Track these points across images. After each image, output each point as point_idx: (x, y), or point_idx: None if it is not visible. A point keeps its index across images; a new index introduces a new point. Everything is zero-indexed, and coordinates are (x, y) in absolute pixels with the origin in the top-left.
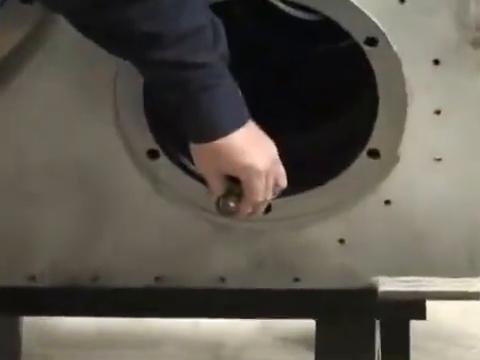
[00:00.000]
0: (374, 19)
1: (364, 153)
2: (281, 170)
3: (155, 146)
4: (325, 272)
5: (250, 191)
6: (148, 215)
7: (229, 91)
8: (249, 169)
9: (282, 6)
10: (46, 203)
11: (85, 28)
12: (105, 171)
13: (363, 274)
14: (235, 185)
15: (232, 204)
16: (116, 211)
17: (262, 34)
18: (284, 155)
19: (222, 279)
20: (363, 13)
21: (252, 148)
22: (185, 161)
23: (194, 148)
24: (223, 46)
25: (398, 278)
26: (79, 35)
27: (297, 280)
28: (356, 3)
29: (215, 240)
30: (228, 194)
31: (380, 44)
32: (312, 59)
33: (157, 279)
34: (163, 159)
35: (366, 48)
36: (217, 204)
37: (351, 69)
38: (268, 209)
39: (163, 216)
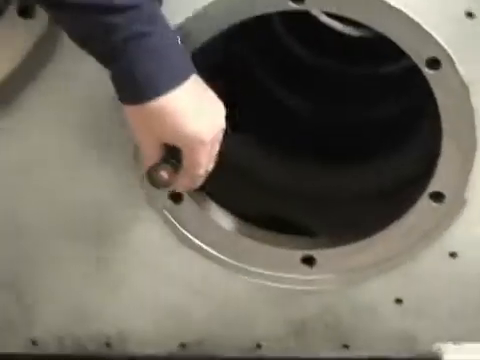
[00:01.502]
0: (436, 36)
1: (426, 196)
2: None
3: None
4: (379, 337)
5: (191, 163)
6: (170, 269)
7: (164, 40)
8: (192, 139)
9: (328, 21)
10: (50, 256)
11: None
12: (119, 218)
13: (423, 340)
14: (171, 151)
15: (165, 175)
16: (132, 265)
17: (307, 54)
18: (330, 197)
19: (258, 346)
20: (423, 29)
21: (195, 112)
22: (212, 206)
23: (126, 110)
24: None
25: (465, 345)
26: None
27: (346, 347)
28: (415, 17)
29: (251, 299)
30: (162, 162)
31: (443, 67)
32: (362, 82)
33: (181, 346)
34: (187, 203)
35: (427, 71)
36: (148, 173)
37: (410, 96)
38: (311, 262)
39: (188, 270)
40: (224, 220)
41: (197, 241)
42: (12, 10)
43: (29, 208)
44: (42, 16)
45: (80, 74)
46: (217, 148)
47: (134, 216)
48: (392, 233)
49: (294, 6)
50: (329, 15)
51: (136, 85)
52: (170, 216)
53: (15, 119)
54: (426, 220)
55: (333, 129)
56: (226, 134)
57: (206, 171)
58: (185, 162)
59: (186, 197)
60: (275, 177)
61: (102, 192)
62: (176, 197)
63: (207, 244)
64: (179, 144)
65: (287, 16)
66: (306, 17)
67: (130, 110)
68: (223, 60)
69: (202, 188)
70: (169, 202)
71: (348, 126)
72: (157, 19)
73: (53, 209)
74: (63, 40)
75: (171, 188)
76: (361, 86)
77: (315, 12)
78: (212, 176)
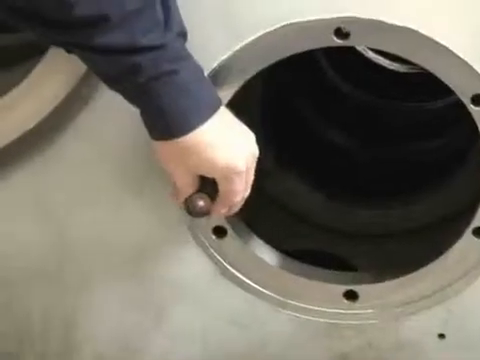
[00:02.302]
0: None
1: (469, 231)
2: (256, 150)
3: (222, 222)
4: None
5: (227, 193)
6: (213, 303)
7: (191, 76)
8: (226, 170)
9: (373, 56)
10: (93, 289)
11: (21, 19)
12: (161, 252)
13: None
14: (206, 181)
15: (202, 204)
16: (174, 298)
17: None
18: (373, 232)
19: None
20: (469, 66)
21: (227, 143)
22: (255, 240)
23: (155, 145)
24: (177, 23)
25: None
26: None
27: None
28: (460, 54)
29: (294, 333)
30: (198, 192)
31: None
32: (407, 118)
33: None
34: (231, 238)
35: (472, 108)
36: (186, 204)
37: (452, 131)
38: (353, 297)
39: (231, 305)
40: (267, 255)
41: (240, 276)
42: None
43: (75, 241)
44: None
45: (118, 115)
46: (252, 175)
47: (178, 251)
48: (435, 269)
49: (339, 42)
50: (374, 51)
51: (167, 122)
52: (213, 251)
53: (55, 157)
54: (469, 256)
55: (377, 165)
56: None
57: (243, 198)
58: (221, 191)
59: (230, 232)
60: (318, 212)
61: (145, 228)
62: (220, 232)
63: (250, 279)
64: (214, 175)
65: (332, 52)
66: (351, 52)
67: (161, 146)
68: (268, 95)
69: (242, 217)
70: (213, 237)
71: (392, 162)
72: (183, 56)
73: (97, 246)
74: None
75: (209, 216)
76: (406, 121)
77: (360, 48)
78: (251, 206)
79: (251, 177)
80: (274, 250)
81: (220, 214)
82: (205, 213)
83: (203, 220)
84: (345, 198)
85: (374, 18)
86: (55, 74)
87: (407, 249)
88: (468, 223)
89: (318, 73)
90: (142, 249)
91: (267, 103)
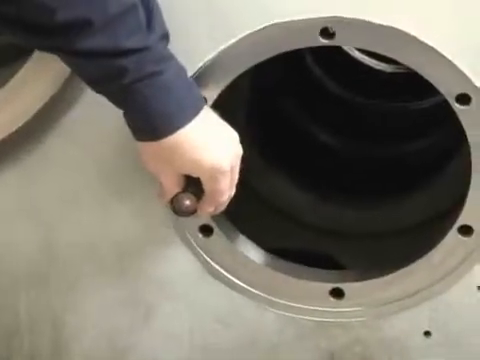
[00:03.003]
0: (467, 72)
1: (454, 230)
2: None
3: (209, 221)
4: None
5: (213, 192)
6: (200, 302)
7: (175, 76)
8: (212, 170)
9: (359, 56)
10: (81, 290)
11: (3, 25)
12: (147, 251)
13: None
14: (191, 180)
15: (189, 203)
16: (161, 297)
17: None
18: (359, 231)
19: None
20: (453, 65)
21: (212, 143)
22: (241, 239)
23: (139, 146)
24: (160, 25)
25: None
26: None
27: None
28: (445, 53)
29: (280, 331)
30: (184, 191)
31: (473, 102)
32: (393, 118)
33: None
34: (217, 236)
35: (457, 107)
36: (172, 203)
37: (438, 131)
38: (339, 294)
39: (217, 303)
40: (253, 253)
41: (227, 274)
42: None
43: (61, 242)
44: None
45: (104, 117)
46: (237, 174)
47: (165, 250)
48: (421, 267)
49: (325, 42)
50: (361, 51)
51: (150, 123)
52: (200, 249)
53: (42, 159)
54: (455, 254)
55: (363, 165)
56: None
57: (229, 197)
58: (207, 191)
59: (216, 230)
60: (305, 211)
61: (131, 228)
62: (206, 230)
63: (237, 277)
64: (199, 175)
65: (318, 51)
66: (337, 52)
67: (146, 147)
68: (254, 95)
69: (228, 215)
70: (199, 235)
71: (379, 161)
72: (166, 57)
73: (84, 247)
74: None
75: (195, 215)
76: (393, 121)
77: (346, 47)
78: (238, 204)
79: (236, 176)
80: (260, 249)
81: (206, 213)
82: (191, 212)
83: (189, 219)
84: (332, 197)
85: (360, 18)
86: (41, 76)
87: (393, 247)
88: (453, 221)
89: (305, 73)
90: (129, 249)
91: (253, 102)
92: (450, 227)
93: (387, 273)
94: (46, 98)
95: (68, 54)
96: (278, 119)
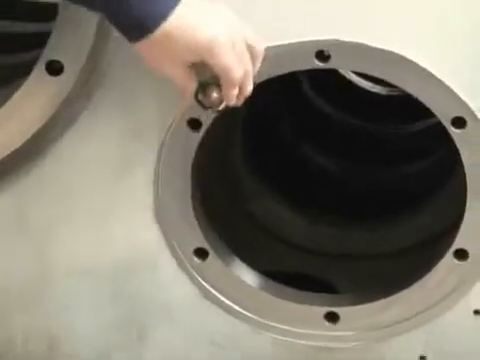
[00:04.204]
0: (462, 96)
1: (450, 254)
2: (246, 31)
3: (204, 244)
4: None
5: (222, 70)
6: (195, 324)
7: None
8: (209, 45)
9: (354, 78)
10: (76, 311)
11: None
12: (143, 274)
13: None
14: (205, 70)
15: (215, 94)
16: (156, 319)
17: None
18: (354, 255)
19: None
20: (449, 89)
21: (202, 21)
22: (236, 262)
23: (137, 48)
24: None
25: None
26: (117, 111)
27: None
28: (441, 77)
29: (275, 355)
30: (204, 84)
31: (469, 126)
32: (387, 139)
33: None
34: (212, 259)
35: (453, 130)
36: (199, 101)
37: (433, 153)
38: (334, 318)
39: (212, 326)
40: (248, 277)
41: (222, 297)
42: (41, 67)
43: (56, 263)
44: (70, 74)
45: (104, 133)
46: (243, 47)
47: (160, 273)
48: (416, 291)
49: (320, 65)
50: (356, 73)
51: (135, 20)
52: (195, 272)
53: (38, 179)
54: (450, 278)
55: (357, 187)
56: None
57: (247, 71)
58: (218, 71)
59: (211, 253)
60: (299, 234)
61: (127, 250)
62: (201, 253)
63: (232, 300)
64: (202, 57)
65: (313, 73)
66: (332, 74)
67: (143, 47)
68: (249, 118)
69: (223, 238)
70: (195, 258)
71: (374, 184)
72: None
73: (79, 267)
74: (90, 100)
75: (227, 105)
76: (387, 144)
77: (343, 71)
78: (233, 228)
79: (243, 49)
80: (255, 272)
81: (233, 99)
82: (220, 101)
83: (185, 242)
84: (327, 220)
85: (355, 41)
86: (38, 97)
87: (388, 271)
88: (449, 245)
89: (300, 95)
90: (124, 270)
91: (249, 125)
92: (446, 251)
93: (382, 297)
94: (43, 120)
95: None
96: (273, 141)
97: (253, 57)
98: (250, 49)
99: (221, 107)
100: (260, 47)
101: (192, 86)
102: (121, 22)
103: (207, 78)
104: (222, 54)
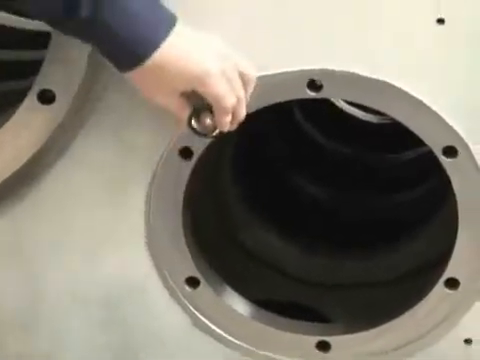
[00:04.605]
0: (453, 125)
1: (441, 283)
2: (236, 59)
3: (195, 273)
4: None
5: (215, 98)
6: (186, 353)
7: None
8: (201, 75)
9: (346, 106)
10: (67, 337)
11: None
12: (134, 301)
13: None
14: (198, 98)
15: (208, 121)
16: (148, 347)
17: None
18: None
19: None
20: (440, 118)
21: (194, 51)
22: (228, 291)
23: (129, 77)
24: None
25: None
26: (109, 138)
27: None
28: (432, 106)
29: None
30: (198, 111)
31: (460, 155)
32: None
33: None
34: (204, 288)
35: (443, 159)
36: (192, 128)
37: (424, 182)
38: (326, 347)
39: (204, 355)
40: (240, 305)
41: (213, 326)
42: (33, 96)
43: (49, 289)
44: (62, 102)
45: (97, 160)
46: (235, 74)
47: (152, 301)
48: (407, 320)
49: (312, 94)
50: (347, 101)
51: (126, 51)
52: (186, 301)
53: (33, 205)
54: (441, 306)
55: (349, 216)
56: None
57: (240, 98)
58: (210, 100)
59: (203, 282)
60: (291, 263)
61: (119, 277)
62: (193, 282)
63: (223, 329)
64: (193, 87)
65: (306, 104)
66: (325, 104)
67: (136, 77)
68: (242, 147)
69: (215, 267)
70: (186, 287)
71: (364, 213)
72: None
73: (72, 295)
74: (84, 126)
75: (220, 131)
76: (378, 173)
77: (334, 99)
78: (224, 256)
79: (235, 77)
80: (247, 301)
81: (226, 125)
82: (213, 128)
83: (176, 270)
84: (318, 249)
85: (347, 70)
86: (30, 125)
87: (379, 300)
88: (440, 274)
89: (292, 123)
90: (116, 298)
91: (240, 155)
92: (436, 280)
93: (373, 326)
94: (36, 147)
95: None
96: (264, 171)
97: (245, 83)
98: (242, 76)
99: (215, 133)
100: (252, 73)
101: (186, 114)
102: (110, 49)
103: (200, 105)
104: (214, 83)
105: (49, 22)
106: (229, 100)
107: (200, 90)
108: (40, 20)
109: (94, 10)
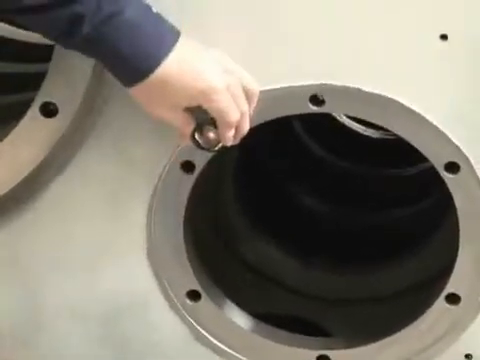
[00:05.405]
0: (456, 141)
1: (442, 298)
2: (241, 73)
3: (197, 286)
4: None
5: (220, 113)
6: None
7: (138, 12)
8: (205, 91)
9: (347, 121)
10: (67, 353)
11: None
12: (135, 315)
13: None
14: (201, 111)
15: (212, 134)
16: None
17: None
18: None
19: None
20: (443, 134)
21: (198, 66)
22: (229, 305)
23: (132, 93)
24: None
25: None
26: (110, 152)
27: None
28: (435, 122)
29: None
30: (201, 125)
31: (462, 171)
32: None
33: None
34: (205, 302)
35: (446, 175)
36: (195, 141)
37: (426, 197)
38: None
39: None
40: (241, 319)
41: (214, 340)
42: (35, 109)
43: (47, 305)
44: (64, 116)
45: (99, 173)
46: (239, 89)
47: (153, 315)
48: (408, 335)
49: (314, 109)
50: (348, 116)
51: (130, 66)
52: (187, 315)
53: (31, 222)
54: (442, 322)
55: (349, 230)
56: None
57: (243, 112)
58: (214, 115)
59: (204, 296)
60: (292, 277)
61: (119, 292)
62: (194, 296)
63: (224, 343)
64: (198, 102)
65: (307, 117)
66: (326, 118)
67: (138, 92)
68: (243, 160)
69: (216, 281)
70: (187, 301)
71: (366, 228)
72: None
73: (72, 309)
74: (85, 141)
75: (224, 145)
76: (379, 187)
77: (335, 114)
78: (225, 270)
79: (239, 92)
80: (248, 314)
81: (229, 139)
82: (216, 142)
83: (177, 284)
84: (318, 263)
85: (350, 85)
86: (32, 138)
87: (380, 315)
88: (441, 289)
89: (291, 137)
90: (116, 311)
91: (242, 168)
92: (437, 295)
93: (374, 341)
94: (35, 164)
95: (18, 13)
96: (267, 184)
97: (249, 98)
98: (245, 90)
99: (217, 147)
100: (255, 87)
101: (189, 129)
102: (113, 64)
103: (203, 119)
104: (219, 99)
105: (51, 37)
106: (233, 115)
107: (205, 105)
108: (43, 36)
109: (96, 27)
